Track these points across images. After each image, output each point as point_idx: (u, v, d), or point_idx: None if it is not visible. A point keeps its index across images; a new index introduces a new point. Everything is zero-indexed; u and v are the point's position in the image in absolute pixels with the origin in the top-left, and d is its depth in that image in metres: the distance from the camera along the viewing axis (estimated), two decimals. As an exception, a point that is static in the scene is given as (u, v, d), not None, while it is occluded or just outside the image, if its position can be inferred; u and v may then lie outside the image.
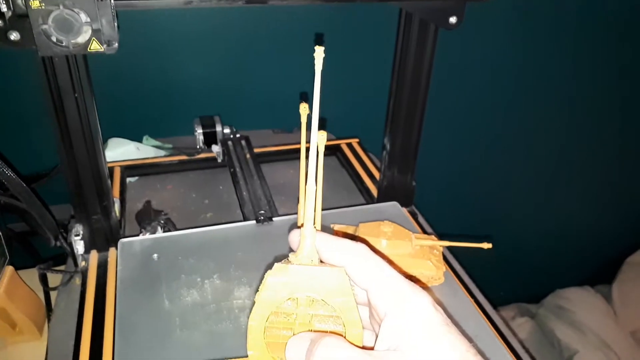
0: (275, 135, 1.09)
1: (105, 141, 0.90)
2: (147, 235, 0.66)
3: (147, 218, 0.67)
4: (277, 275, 0.35)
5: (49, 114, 0.58)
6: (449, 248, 0.69)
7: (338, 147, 0.98)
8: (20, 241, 0.83)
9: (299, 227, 0.37)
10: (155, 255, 0.62)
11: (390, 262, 0.54)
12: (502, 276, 1.50)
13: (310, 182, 0.35)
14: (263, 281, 0.36)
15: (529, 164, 1.47)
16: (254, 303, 0.36)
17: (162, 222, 0.67)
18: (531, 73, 1.30)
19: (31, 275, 0.72)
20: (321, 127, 0.36)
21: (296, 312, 0.37)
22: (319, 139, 0.35)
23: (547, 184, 1.52)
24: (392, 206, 0.75)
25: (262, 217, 0.70)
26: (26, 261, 0.75)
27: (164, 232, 0.68)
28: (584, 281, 1.61)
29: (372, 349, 0.32)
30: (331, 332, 0.36)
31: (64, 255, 0.74)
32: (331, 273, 0.34)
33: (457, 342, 0.30)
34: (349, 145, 0.98)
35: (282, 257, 0.38)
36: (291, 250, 0.38)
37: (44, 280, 0.71)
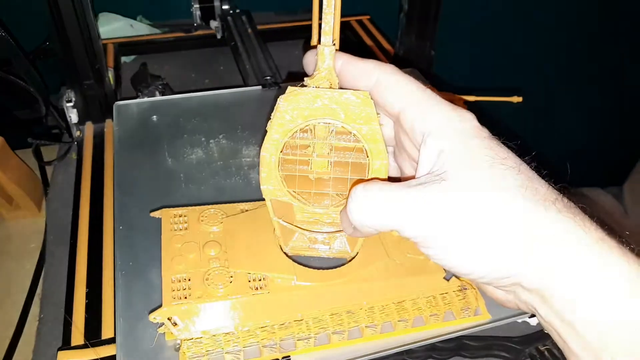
0: (278, 17, 1.00)
1: (95, 15, 0.83)
2: (145, 99, 0.60)
3: (143, 82, 0.62)
4: (290, 99, 0.30)
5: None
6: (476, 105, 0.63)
7: (348, 24, 0.90)
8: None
9: (314, 47, 0.32)
10: (154, 117, 0.57)
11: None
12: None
13: None
14: (275, 106, 0.30)
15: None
16: (265, 132, 0.31)
17: (159, 86, 0.61)
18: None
19: (25, 157, 0.68)
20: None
21: (313, 144, 0.32)
22: None
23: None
24: (410, 72, 0.69)
25: (268, 82, 0.64)
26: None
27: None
28: (594, 184, 1.58)
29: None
30: (352, 164, 0.32)
31: (58, 135, 0.70)
32: (354, 96, 0.29)
33: (509, 173, 0.25)
34: (360, 22, 0.90)
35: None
36: (306, 75, 0.32)
37: (37, 154, 0.66)
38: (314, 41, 0.34)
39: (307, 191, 0.33)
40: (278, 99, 0.30)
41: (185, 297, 0.32)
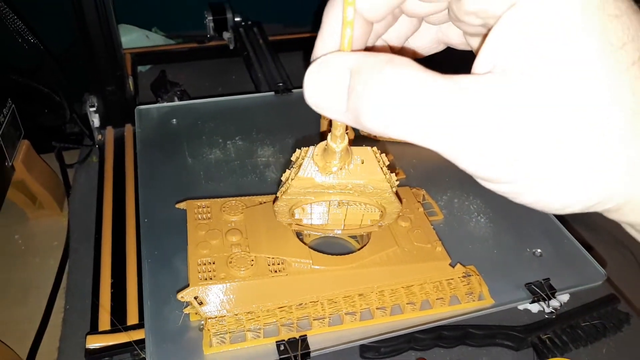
0: (287, 29, 1.04)
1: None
2: (165, 104, 0.63)
3: (163, 88, 0.65)
4: (300, 183, 0.29)
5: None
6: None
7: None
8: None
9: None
10: (174, 120, 0.60)
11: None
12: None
13: None
14: (286, 186, 0.30)
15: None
16: (276, 198, 0.33)
17: (178, 92, 0.65)
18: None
19: (49, 160, 0.71)
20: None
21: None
22: None
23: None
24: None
25: (280, 88, 0.67)
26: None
27: (181, 102, 0.66)
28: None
29: None
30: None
31: (79, 140, 0.73)
32: (359, 158, 0.27)
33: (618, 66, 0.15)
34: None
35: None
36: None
37: (60, 157, 0.70)
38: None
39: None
40: (289, 178, 0.30)
41: (211, 278, 0.35)
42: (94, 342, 0.44)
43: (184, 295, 0.34)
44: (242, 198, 0.42)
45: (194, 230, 0.38)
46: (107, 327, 0.45)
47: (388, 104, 0.16)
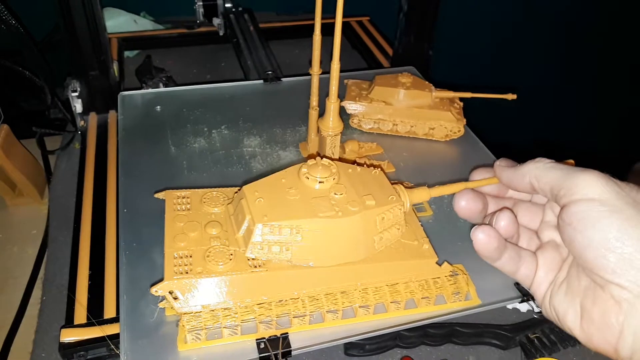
0: (279, 16, 1.02)
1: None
2: (149, 90, 0.62)
3: (148, 74, 0.63)
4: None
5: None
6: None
7: (348, 24, 0.92)
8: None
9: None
10: (158, 107, 0.58)
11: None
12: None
13: None
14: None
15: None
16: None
17: (163, 78, 0.63)
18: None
19: (30, 146, 0.69)
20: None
21: None
22: None
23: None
24: (409, 71, 0.70)
25: (270, 76, 0.65)
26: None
27: (166, 89, 0.64)
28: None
29: None
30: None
31: (62, 126, 0.71)
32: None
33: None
34: (360, 24, 0.92)
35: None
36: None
37: (41, 143, 0.67)
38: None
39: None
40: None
41: (187, 272, 0.33)
42: (69, 336, 0.42)
43: (158, 289, 0.33)
44: (224, 189, 0.40)
45: (172, 222, 0.37)
46: (83, 321, 0.44)
47: None
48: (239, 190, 0.37)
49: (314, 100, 0.47)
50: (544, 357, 0.45)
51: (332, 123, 0.46)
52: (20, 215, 0.65)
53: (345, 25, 0.92)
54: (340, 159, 0.49)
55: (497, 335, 0.46)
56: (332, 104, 0.44)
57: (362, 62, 0.85)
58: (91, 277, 0.47)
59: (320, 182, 0.35)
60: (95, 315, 0.44)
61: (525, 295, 0.41)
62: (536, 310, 0.44)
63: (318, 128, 0.47)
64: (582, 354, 0.46)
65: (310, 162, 0.37)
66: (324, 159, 0.37)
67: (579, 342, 0.47)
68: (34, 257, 0.59)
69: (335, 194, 0.35)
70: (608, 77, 1.51)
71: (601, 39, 1.41)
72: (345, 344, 0.44)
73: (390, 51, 0.82)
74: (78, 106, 0.63)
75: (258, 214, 0.33)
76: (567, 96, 1.51)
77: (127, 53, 0.84)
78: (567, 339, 0.46)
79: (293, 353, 0.36)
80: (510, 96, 0.55)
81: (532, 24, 1.33)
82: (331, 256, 0.34)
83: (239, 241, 0.34)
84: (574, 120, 1.57)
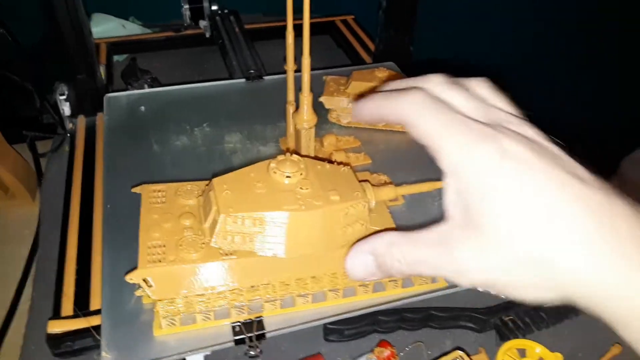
0: (266, 17, 1.04)
1: (88, 15, 0.86)
2: (134, 91, 0.63)
3: (133, 76, 0.65)
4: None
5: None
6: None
7: (332, 24, 0.94)
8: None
9: None
10: (142, 108, 0.60)
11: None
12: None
13: None
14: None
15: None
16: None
17: (148, 80, 0.65)
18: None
19: (21, 151, 0.71)
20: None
21: None
22: None
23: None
24: (388, 66, 0.72)
25: (252, 75, 0.67)
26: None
27: (151, 90, 0.66)
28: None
29: None
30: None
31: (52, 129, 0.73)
32: None
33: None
34: (344, 22, 0.94)
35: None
36: None
37: (32, 147, 0.69)
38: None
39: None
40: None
41: (160, 261, 0.35)
42: (56, 328, 0.44)
43: (133, 277, 0.35)
44: (199, 182, 0.42)
45: (147, 214, 0.38)
46: (71, 313, 0.45)
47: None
48: (209, 183, 0.39)
49: (290, 95, 0.49)
50: (518, 338, 0.46)
51: (306, 116, 0.47)
52: (13, 216, 0.66)
53: (330, 24, 0.94)
54: (316, 156, 0.51)
55: (473, 319, 0.48)
56: (305, 97, 0.46)
57: (346, 60, 0.87)
58: (78, 272, 0.49)
59: (287, 177, 0.36)
60: (82, 308, 0.46)
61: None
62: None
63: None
64: (556, 335, 0.47)
65: (280, 157, 0.38)
66: (294, 155, 0.38)
67: (553, 324, 0.48)
68: (26, 257, 0.60)
69: (301, 188, 0.36)
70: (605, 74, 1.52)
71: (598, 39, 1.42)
72: (325, 330, 0.45)
73: (372, 47, 0.84)
74: (66, 109, 0.65)
75: (224, 206, 0.34)
76: (554, 95, 1.52)
77: (116, 57, 0.85)
78: (540, 321, 0.47)
79: (267, 336, 0.37)
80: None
81: (513, 15, 1.34)
82: (294, 248, 0.35)
83: (205, 231, 0.36)
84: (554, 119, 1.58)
